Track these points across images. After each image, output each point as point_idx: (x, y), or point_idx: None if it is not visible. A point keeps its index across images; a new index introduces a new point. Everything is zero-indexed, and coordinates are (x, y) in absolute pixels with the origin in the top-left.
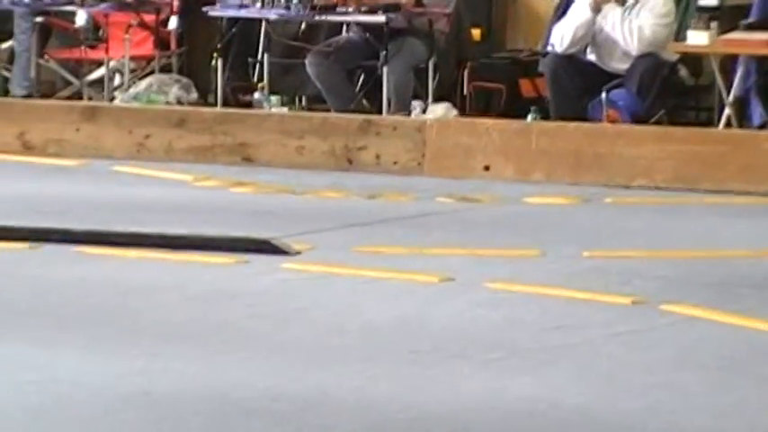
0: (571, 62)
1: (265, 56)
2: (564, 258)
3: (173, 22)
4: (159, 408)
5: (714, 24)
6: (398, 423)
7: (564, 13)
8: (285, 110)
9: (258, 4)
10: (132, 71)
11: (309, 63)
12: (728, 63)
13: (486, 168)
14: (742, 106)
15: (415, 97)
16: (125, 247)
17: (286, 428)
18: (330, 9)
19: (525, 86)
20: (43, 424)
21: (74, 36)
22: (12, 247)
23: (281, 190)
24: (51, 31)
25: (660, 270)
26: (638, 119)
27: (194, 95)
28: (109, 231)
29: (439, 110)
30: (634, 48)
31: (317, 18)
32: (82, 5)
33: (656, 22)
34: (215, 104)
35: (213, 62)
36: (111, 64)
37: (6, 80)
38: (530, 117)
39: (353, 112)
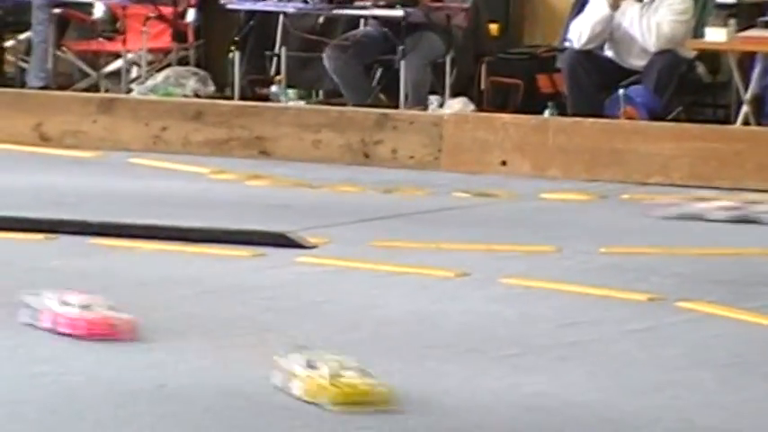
0: (589, 58)
1: (283, 49)
2: (580, 255)
3: (190, 15)
4: (172, 401)
5: (732, 21)
6: (412, 418)
7: (582, 8)
8: (302, 103)
9: None
10: (149, 63)
11: (327, 57)
12: (746, 60)
13: (503, 164)
14: (760, 104)
15: (432, 92)
16: (140, 240)
17: (300, 423)
18: (348, 3)
19: (543, 82)
20: (56, 417)
21: (91, 28)
22: (27, 239)
23: (297, 184)
24: (69, 22)
25: (676, 267)
26: (656, 116)
27: (211, 88)
28: (124, 223)
29: (456, 105)
30: (652, 44)
31: (334, 12)
32: None
33: (674, 19)
34: (232, 97)
35: (230, 55)
36: (129, 56)
37: (24, 72)
38: (547, 113)
39: (370, 106)
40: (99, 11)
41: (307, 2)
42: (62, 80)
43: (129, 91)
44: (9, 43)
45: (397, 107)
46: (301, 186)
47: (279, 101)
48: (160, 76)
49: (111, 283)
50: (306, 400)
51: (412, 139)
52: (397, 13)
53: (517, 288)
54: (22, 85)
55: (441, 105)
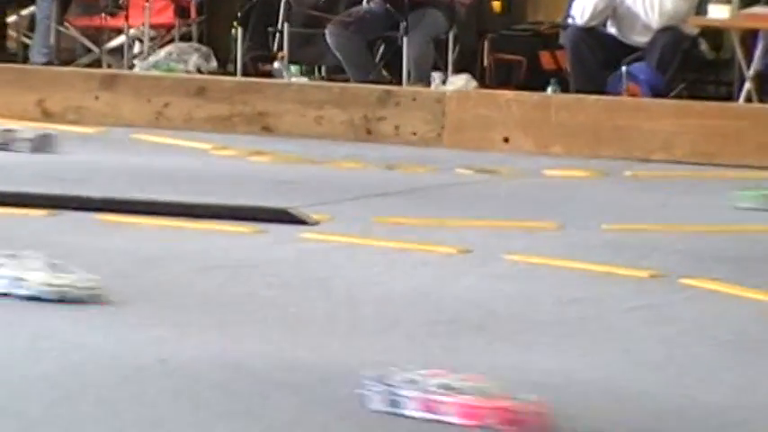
0: (592, 35)
1: (285, 25)
2: (582, 231)
3: None
4: (175, 377)
5: None
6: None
7: None
8: (305, 80)
9: None
10: (152, 39)
11: (329, 33)
12: (749, 37)
13: (506, 140)
14: (762, 81)
15: (435, 68)
16: (143, 216)
17: (302, 399)
18: None
19: (545, 59)
20: (60, 391)
21: (94, 4)
22: (30, 215)
23: (299, 160)
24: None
25: (679, 244)
26: (658, 93)
27: (214, 64)
28: (127, 199)
29: (459, 81)
30: (655, 21)
31: None
32: None
33: None
34: (234, 74)
35: (233, 31)
36: (131, 32)
37: (26, 47)
38: (549, 90)
39: (373, 82)
40: None
41: None
42: (65, 56)
43: (132, 67)
44: (11, 19)
45: (399, 84)
46: (304, 163)
47: (281, 77)
48: (162, 52)
49: (112, 259)
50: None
51: (414, 115)
52: None
53: (520, 265)
54: (25, 60)
55: (443, 82)
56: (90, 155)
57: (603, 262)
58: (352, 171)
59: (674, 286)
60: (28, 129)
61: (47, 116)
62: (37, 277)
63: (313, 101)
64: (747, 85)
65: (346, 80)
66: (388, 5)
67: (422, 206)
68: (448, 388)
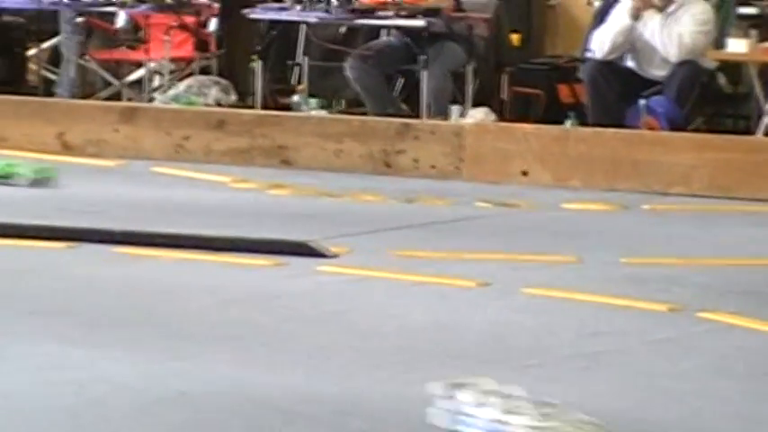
0: (610, 68)
1: (305, 59)
2: (601, 265)
3: (212, 24)
4: (196, 409)
5: (754, 32)
6: (435, 427)
7: (603, 19)
8: (324, 113)
9: (298, 7)
10: (172, 72)
11: (349, 66)
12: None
13: (524, 174)
14: None
15: (454, 102)
16: (163, 248)
17: (321, 431)
18: (370, 13)
19: (564, 92)
20: (79, 423)
21: (114, 37)
22: (50, 247)
23: (318, 193)
24: (91, 31)
25: (697, 277)
26: (677, 126)
27: (233, 97)
28: (146, 232)
29: (477, 114)
30: (673, 55)
31: (356, 21)
32: (122, 7)
33: (695, 30)
34: (254, 107)
35: (252, 64)
36: (151, 65)
37: (47, 81)
38: (568, 123)
39: (392, 115)
40: (122, 20)
41: (329, 12)
42: (85, 89)
43: (152, 100)
44: (32, 52)
45: (418, 117)
46: (323, 195)
47: (301, 110)
48: (182, 86)
49: (132, 292)
50: None
51: (433, 148)
52: (419, 22)
53: (538, 298)
54: (46, 93)
55: (462, 115)
56: (110, 188)
57: (622, 295)
58: (371, 204)
59: (692, 319)
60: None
61: (67, 149)
62: (522, 421)
63: (332, 134)
64: (766, 119)
65: (365, 113)
66: (407, 39)
67: (440, 239)
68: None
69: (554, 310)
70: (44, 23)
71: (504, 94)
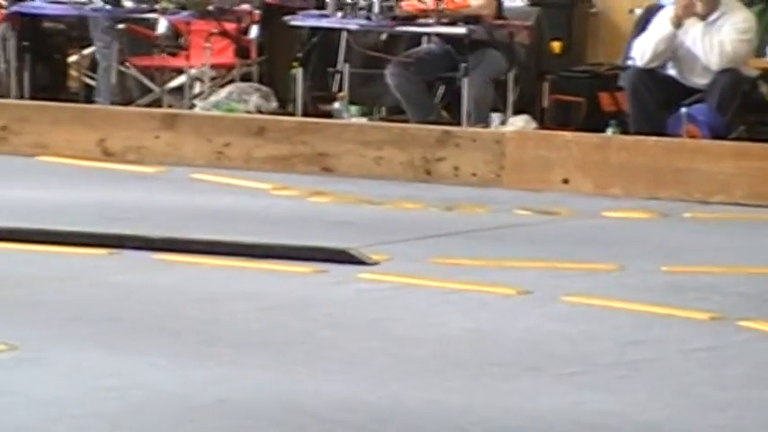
0: (651, 76)
1: (345, 66)
2: (642, 273)
3: (253, 31)
4: (235, 416)
5: None
6: None
7: (645, 27)
8: (364, 120)
9: (339, 14)
10: (212, 79)
11: (389, 74)
12: None
13: (565, 181)
14: None
15: (495, 109)
16: (203, 255)
17: None
18: (411, 20)
19: (605, 100)
20: (120, 430)
21: (154, 43)
22: (91, 253)
23: (359, 200)
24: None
25: (738, 286)
26: (718, 134)
27: (274, 104)
28: (187, 239)
29: (518, 122)
30: (715, 63)
31: (397, 29)
32: (163, 13)
33: (737, 38)
34: (294, 114)
35: (293, 71)
36: (192, 72)
37: (88, 87)
38: (609, 131)
39: (432, 123)
40: (162, 26)
41: (370, 19)
42: (125, 95)
43: (192, 107)
44: (73, 58)
45: (459, 124)
46: (363, 203)
47: (341, 117)
48: (223, 92)
49: (172, 298)
50: None
51: (474, 156)
52: (460, 30)
53: (579, 306)
54: (86, 100)
55: (503, 123)
56: (150, 194)
57: (663, 304)
58: (412, 212)
59: (733, 328)
60: None
61: (107, 155)
62: None
63: (372, 141)
64: None
65: (406, 120)
66: (448, 46)
67: (481, 247)
68: None
69: (594, 318)
70: (85, 30)
71: (545, 102)
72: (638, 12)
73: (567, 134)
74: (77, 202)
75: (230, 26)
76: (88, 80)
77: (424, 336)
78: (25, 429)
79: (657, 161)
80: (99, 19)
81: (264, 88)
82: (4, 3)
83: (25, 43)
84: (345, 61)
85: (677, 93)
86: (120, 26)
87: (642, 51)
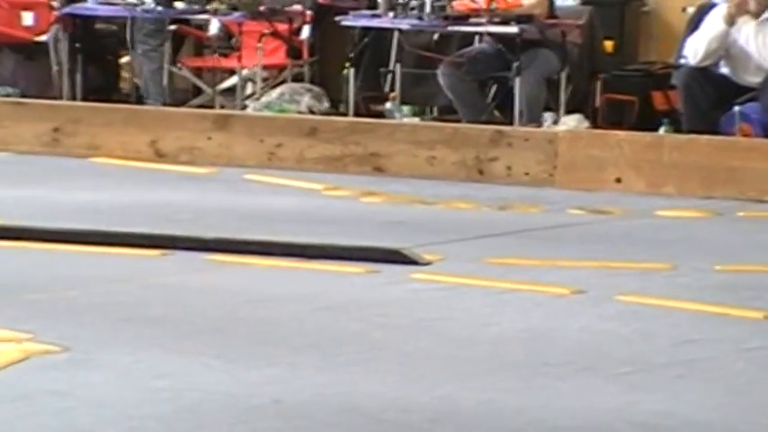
0: (704, 75)
1: (397, 66)
2: (695, 272)
3: (305, 32)
4: (290, 417)
5: None
6: None
7: (697, 25)
8: (416, 120)
9: (391, 14)
10: (264, 80)
11: (441, 73)
12: None
13: (618, 181)
14: None
15: (547, 109)
16: (256, 256)
17: None
18: (463, 19)
19: (658, 99)
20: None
21: (206, 44)
22: (144, 255)
23: (411, 200)
24: (184, 39)
25: None
26: None
27: (326, 105)
28: (240, 239)
29: (571, 121)
30: None
31: (449, 28)
32: (215, 14)
33: None
34: (346, 114)
35: (345, 72)
36: (244, 72)
37: (139, 88)
38: (662, 130)
39: (485, 122)
40: (214, 27)
41: (421, 18)
42: (178, 96)
43: (244, 107)
44: (125, 59)
45: (511, 124)
46: (416, 203)
47: (393, 117)
48: (275, 93)
49: (225, 299)
50: None
51: (526, 155)
52: (512, 29)
53: (632, 305)
54: (138, 101)
55: (555, 122)
56: (202, 195)
57: (717, 303)
58: (464, 211)
59: None
60: None
61: (160, 157)
62: None
63: (425, 141)
64: None
65: (458, 120)
66: (500, 46)
67: (534, 246)
68: None
69: (648, 317)
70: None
71: (598, 101)
72: (691, 10)
73: (620, 133)
74: (130, 203)
75: (282, 27)
76: (140, 81)
77: (478, 336)
78: (79, 431)
79: (711, 160)
80: (143, 22)
81: (316, 89)
82: (55, 5)
83: (77, 45)
84: (397, 61)
85: (730, 91)
86: (172, 27)
87: (695, 50)
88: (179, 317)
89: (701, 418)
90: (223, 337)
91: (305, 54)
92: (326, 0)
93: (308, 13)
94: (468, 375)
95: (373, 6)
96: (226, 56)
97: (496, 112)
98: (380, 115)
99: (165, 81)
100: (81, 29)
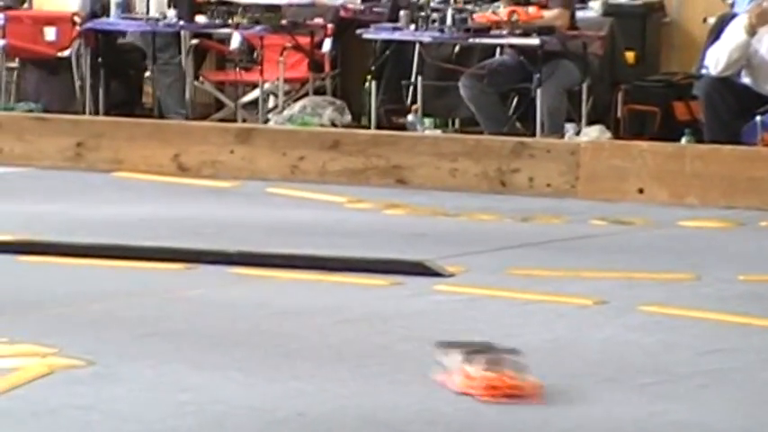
0: (726, 85)
1: (419, 78)
2: (719, 282)
3: (327, 45)
4: (314, 430)
5: None
6: None
7: (719, 35)
8: (438, 132)
9: (412, 27)
10: (286, 93)
11: (463, 85)
12: None
13: (640, 191)
14: None
15: (569, 120)
16: (279, 269)
17: None
18: (484, 32)
19: (679, 109)
20: None
21: (228, 58)
22: (168, 268)
23: (434, 212)
24: (206, 53)
25: None
26: None
27: (348, 117)
28: (263, 253)
29: (592, 132)
30: None
31: (470, 41)
32: (237, 28)
33: None
34: (368, 127)
35: (367, 84)
36: (266, 86)
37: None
38: (684, 140)
39: (507, 134)
40: (236, 41)
41: (443, 31)
42: (200, 110)
43: (267, 121)
44: (147, 74)
45: (533, 135)
46: (438, 215)
47: (415, 130)
48: (297, 106)
49: (249, 313)
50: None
51: (549, 167)
52: (534, 41)
53: (656, 316)
54: (161, 115)
55: (577, 133)
56: (226, 209)
57: (741, 313)
58: (487, 223)
59: None
60: None
61: (182, 170)
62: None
63: (447, 153)
64: None
65: (480, 132)
66: (521, 57)
67: (557, 257)
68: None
69: (671, 327)
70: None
71: (620, 112)
72: (712, 20)
73: (642, 144)
74: (153, 217)
75: (304, 40)
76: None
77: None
78: None
79: (733, 170)
80: (161, 35)
81: (338, 102)
82: (78, 20)
83: (100, 60)
84: (419, 74)
85: (752, 101)
86: (194, 41)
87: (716, 60)
88: (202, 330)
89: (725, 428)
90: (247, 350)
91: (327, 67)
92: (348, 13)
93: (330, 26)
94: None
95: (395, 19)
96: (248, 69)
97: (518, 124)
98: (402, 128)
99: (188, 95)
100: (103, 44)
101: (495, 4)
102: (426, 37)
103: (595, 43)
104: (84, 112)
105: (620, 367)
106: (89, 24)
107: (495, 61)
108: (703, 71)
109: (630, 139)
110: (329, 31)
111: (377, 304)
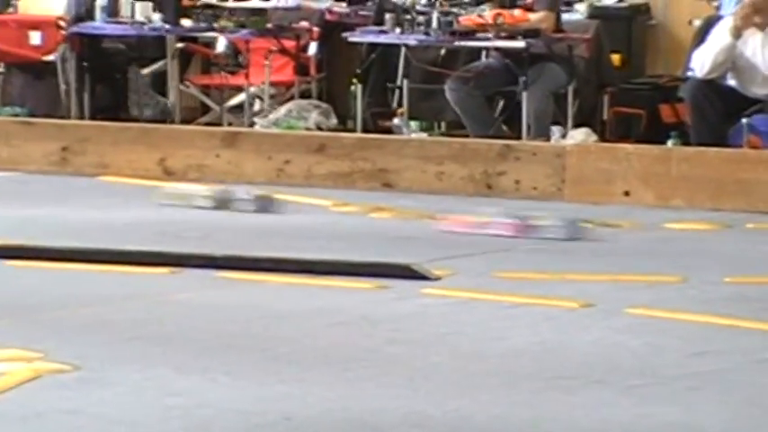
0: (711, 87)
1: (405, 81)
2: (705, 284)
3: (312, 48)
4: None
5: None
6: None
7: (704, 38)
8: (424, 135)
9: (398, 30)
10: (272, 97)
11: (449, 88)
12: None
13: (627, 194)
14: None
15: (555, 123)
16: (265, 272)
17: None
18: (470, 35)
19: (665, 112)
20: None
21: (214, 62)
22: (154, 272)
23: (420, 215)
24: (191, 57)
25: None
26: None
27: (334, 121)
28: (249, 256)
29: (578, 135)
30: None
31: (456, 44)
32: (222, 32)
33: None
34: (354, 130)
35: (353, 88)
36: (252, 90)
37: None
38: (670, 142)
39: (493, 137)
40: (221, 45)
41: (429, 34)
42: (185, 114)
43: (252, 124)
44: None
45: (519, 138)
46: (425, 218)
47: (401, 133)
48: (283, 110)
49: (235, 316)
50: None
51: (535, 169)
52: (519, 44)
53: (642, 318)
54: (147, 119)
55: (563, 136)
56: (211, 212)
57: (727, 315)
58: None
59: None
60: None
61: (168, 174)
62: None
63: (433, 156)
64: None
65: (466, 135)
66: (507, 60)
67: (543, 260)
68: None
69: (659, 330)
70: (144, 49)
71: (606, 115)
72: (698, 23)
73: (628, 146)
74: (139, 221)
75: (289, 44)
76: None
77: (489, 350)
78: None
79: (719, 172)
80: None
81: (324, 105)
82: (63, 24)
83: (85, 64)
84: (405, 77)
85: (738, 103)
86: (179, 45)
87: (702, 62)
88: (189, 334)
89: (713, 430)
90: (234, 353)
91: (312, 71)
92: (334, 17)
93: (316, 29)
94: (480, 389)
95: (380, 22)
96: (233, 73)
97: (504, 127)
98: (388, 131)
99: (173, 98)
100: (89, 48)
101: (481, 7)
102: (412, 40)
103: (581, 46)
104: (69, 117)
105: (608, 370)
106: (74, 28)
107: (480, 64)
108: (689, 74)
109: (617, 141)
110: (315, 35)
111: (364, 307)
